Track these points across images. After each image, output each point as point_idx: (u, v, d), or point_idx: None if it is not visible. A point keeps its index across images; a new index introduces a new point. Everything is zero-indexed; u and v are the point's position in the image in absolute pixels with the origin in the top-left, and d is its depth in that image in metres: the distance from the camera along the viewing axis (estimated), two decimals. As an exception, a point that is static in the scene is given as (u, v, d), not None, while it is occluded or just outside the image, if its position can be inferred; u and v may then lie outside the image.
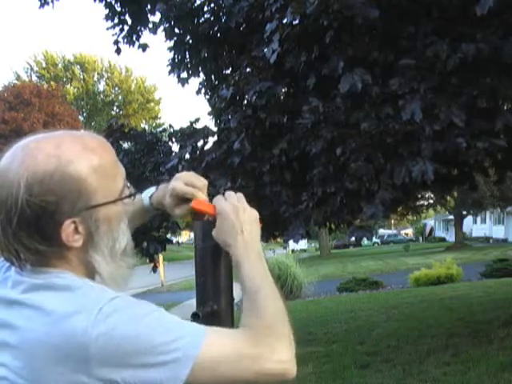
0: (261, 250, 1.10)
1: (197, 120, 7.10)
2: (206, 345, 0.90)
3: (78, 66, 50.89)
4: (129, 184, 1.03)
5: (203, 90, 7.13)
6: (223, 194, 1.16)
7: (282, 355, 0.97)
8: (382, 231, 55.20)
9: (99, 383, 0.85)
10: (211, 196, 1.21)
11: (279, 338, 0.98)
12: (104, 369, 0.85)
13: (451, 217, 37.95)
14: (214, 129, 6.49)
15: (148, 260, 8.09)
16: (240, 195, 1.16)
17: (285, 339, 0.99)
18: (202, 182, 1.21)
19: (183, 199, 1.20)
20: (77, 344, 0.84)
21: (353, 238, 4.95)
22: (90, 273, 0.98)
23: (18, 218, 0.88)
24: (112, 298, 0.89)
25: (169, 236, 8.35)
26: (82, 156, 0.93)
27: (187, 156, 6.38)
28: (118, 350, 0.85)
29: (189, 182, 1.19)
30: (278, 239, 7.71)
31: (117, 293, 0.92)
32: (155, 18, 7.24)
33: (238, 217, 1.11)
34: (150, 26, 7.45)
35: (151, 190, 1.32)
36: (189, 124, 7.00)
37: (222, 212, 1.12)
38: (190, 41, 6.37)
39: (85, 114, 51.43)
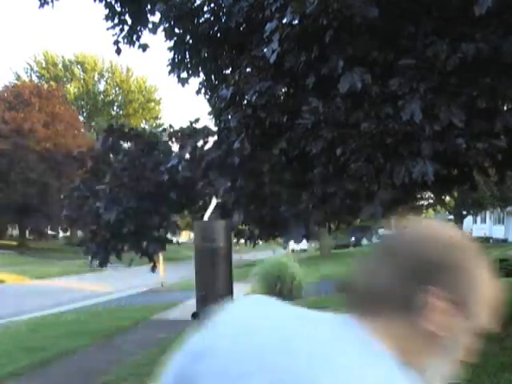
0: None
1: (197, 120, 7.11)
2: None
3: (79, 66, 50.91)
4: None
5: (203, 90, 7.13)
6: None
7: None
8: (382, 231, 55.17)
9: None
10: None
11: None
12: None
13: (451, 217, 37.94)
14: (214, 129, 6.50)
15: (148, 260, 8.10)
16: None
17: None
18: None
19: None
20: None
21: (353, 238, 4.95)
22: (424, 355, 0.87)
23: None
24: None
25: (169, 236, 8.36)
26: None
27: (187, 156, 6.39)
28: None
29: None
30: (279, 239, 7.71)
31: None
32: (155, 18, 7.26)
33: None
34: (150, 26, 7.46)
35: None
36: (189, 124, 7.02)
37: None
38: (190, 41, 6.37)
39: (85, 114, 51.46)
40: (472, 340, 0.87)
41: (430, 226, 0.89)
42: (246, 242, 7.11)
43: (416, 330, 0.80)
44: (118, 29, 7.41)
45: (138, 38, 7.53)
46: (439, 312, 0.80)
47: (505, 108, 4.71)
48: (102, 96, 51.83)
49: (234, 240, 8.17)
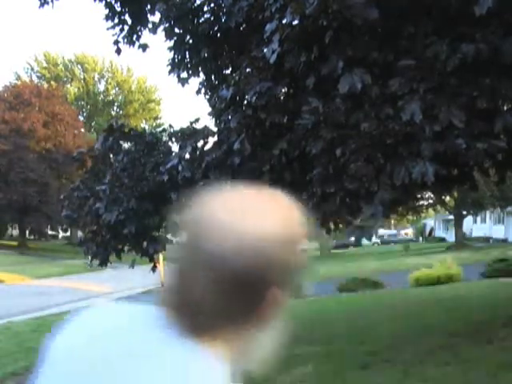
0: None
1: (197, 120, 7.10)
2: None
3: (79, 66, 50.91)
4: None
5: (203, 90, 7.13)
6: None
7: None
8: (381, 231, 55.16)
9: None
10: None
11: None
12: None
13: (451, 217, 37.93)
14: (214, 129, 6.49)
15: (148, 260, 8.10)
16: None
17: None
18: None
19: None
20: None
21: (352, 238, 4.95)
22: (244, 347, 0.87)
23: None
24: None
25: (169, 236, 8.35)
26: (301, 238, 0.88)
27: (187, 156, 6.38)
28: None
29: None
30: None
31: None
32: (155, 18, 7.26)
33: None
34: (150, 26, 7.47)
35: None
36: (189, 124, 7.01)
37: None
38: (190, 41, 6.37)
39: (85, 114, 51.45)
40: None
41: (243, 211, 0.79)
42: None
43: (241, 327, 0.81)
44: (117, 29, 7.42)
45: (138, 38, 7.54)
46: (272, 305, 0.82)
47: (505, 108, 4.70)
48: (102, 96, 51.83)
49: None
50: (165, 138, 7.69)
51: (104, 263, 7.97)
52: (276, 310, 0.84)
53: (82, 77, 50.82)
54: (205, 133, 6.48)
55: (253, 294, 0.79)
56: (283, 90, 5.44)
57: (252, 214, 0.79)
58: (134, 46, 7.53)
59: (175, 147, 7.20)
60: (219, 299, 0.78)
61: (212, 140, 6.36)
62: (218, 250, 0.76)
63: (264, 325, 0.83)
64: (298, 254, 0.84)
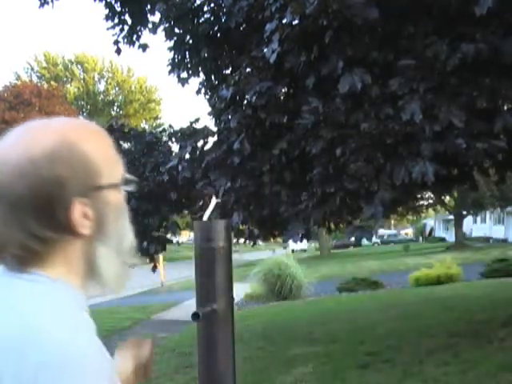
0: None
1: (197, 120, 7.11)
2: None
3: (79, 66, 50.93)
4: (130, 175, 0.97)
5: (203, 90, 7.13)
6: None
7: None
8: (381, 231, 55.18)
9: None
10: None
11: None
12: None
13: (451, 217, 37.94)
14: (214, 129, 6.49)
15: (148, 260, 8.10)
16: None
17: None
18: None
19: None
20: None
21: (352, 238, 4.95)
22: (89, 271, 0.89)
23: (27, 200, 0.82)
24: (79, 332, 0.79)
25: (169, 236, 8.36)
26: (87, 136, 0.89)
27: (187, 156, 6.39)
28: None
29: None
30: (278, 239, 7.71)
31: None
32: (155, 18, 7.26)
33: None
34: (150, 26, 7.47)
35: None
36: (189, 124, 7.02)
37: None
38: (190, 41, 6.37)
39: (85, 114, 51.42)
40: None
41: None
42: (245, 241, 7.12)
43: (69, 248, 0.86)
44: (117, 29, 7.42)
45: (138, 38, 7.54)
46: (80, 216, 0.85)
47: (505, 108, 4.71)
48: (102, 96, 51.83)
49: (234, 240, 8.17)
50: (165, 138, 7.70)
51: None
52: (102, 217, 0.88)
53: (82, 77, 50.81)
54: (205, 133, 6.49)
55: (50, 211, 0.83)
56: (283, 90, 5.44)
57: (20, 139, 0.85)
58: (133, 46, 7.53)
59: (175, 147, 7.22)
60: (16, 226, 0.82)
61: (212, 140, 6.37)
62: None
63: (94, 238, 0.87)
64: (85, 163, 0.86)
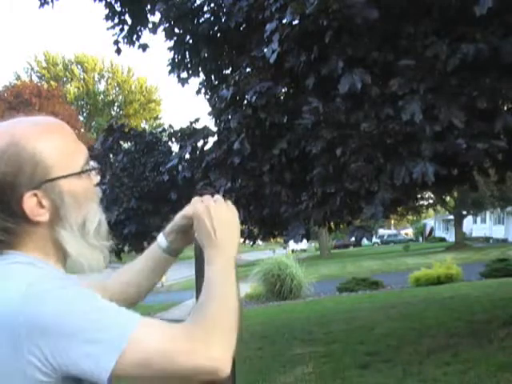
0: (232, 253, 1.12)
1: (197, 120, 7.12)
2: (134, 338, 0.90)
3: (79, 66, 50.90)
4: (94, 164, 1.06)
5: (203, 90, 7.13)
6: (201, 196, 1.19)
7: (216, 353, 0.96)
8: (381, 231, 55.16)
9: (27, 356, 0.88)
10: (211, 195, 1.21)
11: (219, 336, 0.98)
12: (27, 347, 0.87)
13: (451, 217, 37.93)
14: (214, 129, 6.49)
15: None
16: (218, 197, 1.19)
17: (225, 338, 0.99)
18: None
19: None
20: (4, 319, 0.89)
21: (353, 238, 4.95)
22: (60, 252, 1.00)
23: None
24: (44, 279, 0.91)
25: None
26: (36, 134, 0.98)
27: (187, 156, 6.39)
28: (40, 331, 0.87)
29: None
30: (278, 239, 7.72)
31: (54, 277, 0.94)
32: (155, 18, 7.25)
33: (211, 219, 1.13)
34: (150, 26, 7.47)
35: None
36: (189, 124, 7.02)
37: (196, 214, 1.15)
38: (190, 41, 6.37)
39: (85, 114, 51.43)
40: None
41: None
42: (244, 241, 7.12)
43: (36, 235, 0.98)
44: (117, 29, 7.42)
45: (138, 38, 7.53)
46: (31, 204, 0.96)
47: (505, 108, 4.71)
48: (102, 96, 51.82)
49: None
50: (165, 138, 7.71)
51: (104, 263, 7.97)
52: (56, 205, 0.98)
53: (82, 77, 50.80)
54: (205, 133, 6.49)
55: (6, 203, 0.95)
56: (283, 90, 5.44)
57: None
58: (134, 46, 7.53)
59: (175, 147, 7.22)
60: None
61: (212, 140, 6.37)
62: None
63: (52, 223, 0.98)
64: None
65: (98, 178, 1.07)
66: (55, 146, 0.99)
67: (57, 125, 1.03)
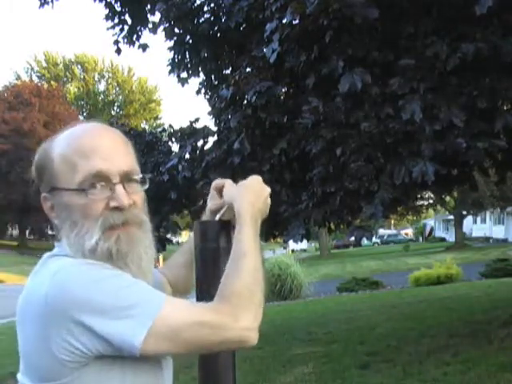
0: (258, 223, 1.15)
1: (197, 120, 7.09)
2: (162, 314, 0.93)
3: (79, 66, 50.89)
4: (102, 183, 1.02)
5: (203, 90, 7.13)
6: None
7: (245, 323, 0.98)
8: (381, 231, 55.15)
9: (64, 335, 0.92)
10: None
11: (246, 307, 0.99)
12: (57, 327, 0.92)
13: (451, 217, 37.93)
14: (214, 129, 6.48)
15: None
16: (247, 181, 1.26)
17: (252, 308, 1.00)
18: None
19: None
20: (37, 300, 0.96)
21: (352, 238, 4.95)
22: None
23: None
24: (71, 264, 0.98)
25: (169, 236, 8.35)
26: (60, 141, 1.06)
27: (187, 156, 6.38)
28: (69, 310, 0.91)
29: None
30: (278, 239, 7.71)
31: (79, 260, 1.00)
32: (155, 18, 7.25)
33: (252, 186, 1.21)
34: (150, 26, 7.46)
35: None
36: (189, 124, 7.00)
37: (227, 193, 1.21)
38: (190, 41, 6.37)
39: (85, 114, 51.42)
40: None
41: None
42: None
43: None
44: (117, 29, 7.41)
45: (138, 38, 7.53)
46: (47, 207, 1.07)
47: (505, 108, 4.70)
48: (102, 96, 51.82)
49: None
50: (165, 138, 7.69)
51: (104, 263, 7.97)
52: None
53: (82, 77, 50.81)
54: (205, 132, 6.47)
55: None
56: (283, 90, 5.43)
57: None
58: (134, 46, 7.53)
59: (175, 147, 7.21)
60: None
61: (212, 140, 6.36)
62: None
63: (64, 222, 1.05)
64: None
65: (114, 203, 1.02)
66: (63, 156, 1.03)
67: (87, 132, 1.08)
